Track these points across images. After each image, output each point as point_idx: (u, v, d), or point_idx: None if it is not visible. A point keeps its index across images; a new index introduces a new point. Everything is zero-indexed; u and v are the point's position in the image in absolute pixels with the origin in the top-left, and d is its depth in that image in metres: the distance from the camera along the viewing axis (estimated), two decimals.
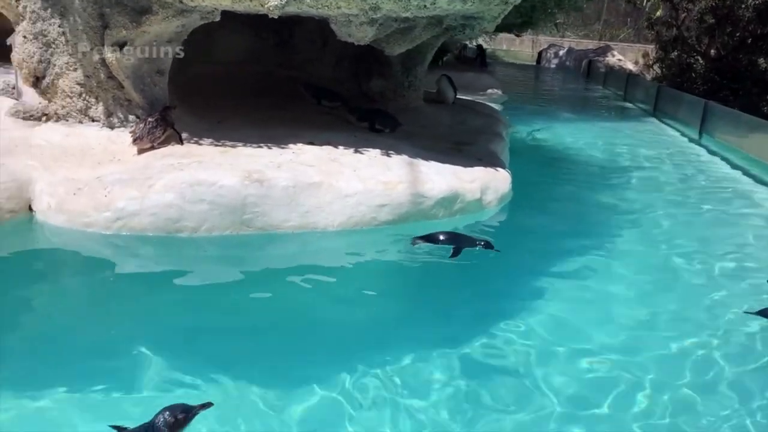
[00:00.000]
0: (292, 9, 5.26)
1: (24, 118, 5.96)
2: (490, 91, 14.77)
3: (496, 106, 12.50)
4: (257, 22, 5.57)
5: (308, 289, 4.53)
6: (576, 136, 11.53)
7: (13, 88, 6.54)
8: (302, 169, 5.29)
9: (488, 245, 5.13)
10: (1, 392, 3.16)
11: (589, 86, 21.16)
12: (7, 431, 2.96)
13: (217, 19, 5.62)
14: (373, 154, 5.87)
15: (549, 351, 3.98)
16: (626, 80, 18.20)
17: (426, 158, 6.06)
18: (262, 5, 5.15)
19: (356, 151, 5.87)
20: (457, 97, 9.98)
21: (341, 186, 5.25)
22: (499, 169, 6.55)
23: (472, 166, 6.29)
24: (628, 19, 32.44)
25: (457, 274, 4.94)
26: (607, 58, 23.00)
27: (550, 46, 27.70)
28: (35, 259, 4.54)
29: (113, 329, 3.82)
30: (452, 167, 6.05)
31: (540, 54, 27.63)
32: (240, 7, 5.27)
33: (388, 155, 5.90)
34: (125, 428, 2.92)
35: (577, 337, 4.17)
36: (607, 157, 10.09)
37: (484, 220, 6.04)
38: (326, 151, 5.79)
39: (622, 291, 4.95)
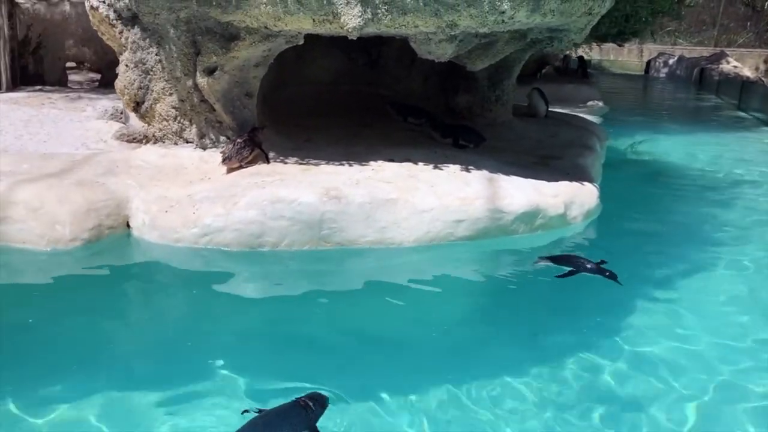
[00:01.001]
0: (371, 30, 5.38)
1: (128, 141, 6.44)
2: (591, 102, 14.38)
3: (596, 119, 12.15)
4: (347, 43, 5.75)
5: (385, 305, 4.55)
6: (681, 149, 10.95)
7: (122, 113, 7.09)
8: (379, 186, 5.37)
9: (612, 276, 4.79)
10: (96, 397, 3.36)
11: (701, 95, 20.03)
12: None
13: (301, 42, 5.83)
14: (452, 170, 5.87)
15: (646, 382, 3.73)
16: (741, 88, 17.09)
17: (507, 173, 5.99)
18: (341, 27, 5.29)
19: (435, 167, 5.89)
20: (550, 109, 9.78)
21: (417, 202, 5.28)
22: (585, 183, 6.34)
23: (556, 180, 6.14)
24: (748, 23, 30.53)
25: (540, 292, 4.80)
26: (721, 65, 21.69)
27: (660, 54, 26.49)
28: (129, 273, 4.85)
29: (200, 340, 3.99)
30: (535, 182, 5.94)
31: (648, 63, 26.50)
32: (321, 30, 5.44)
33: (467, 171, 5.88)
34: (260, 410, 3.06)
35: (670, 368, 3.89)
36: (713, 171, 9.47)
37: (567, 236, 5.87)
38: (405, 167, 5.85)
39: (723, 319, 4.58)
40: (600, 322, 4.44)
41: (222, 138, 6.12)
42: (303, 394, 3.12)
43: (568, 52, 16.86)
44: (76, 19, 10.15)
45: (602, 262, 4.92)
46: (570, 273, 4.83)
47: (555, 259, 5.05)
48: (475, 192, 5.49)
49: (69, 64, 10.91)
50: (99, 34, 6.24)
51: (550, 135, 8.30)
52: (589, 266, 4.88)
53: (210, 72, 5.79)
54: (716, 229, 6.65)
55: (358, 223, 5.18)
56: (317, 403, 3.07)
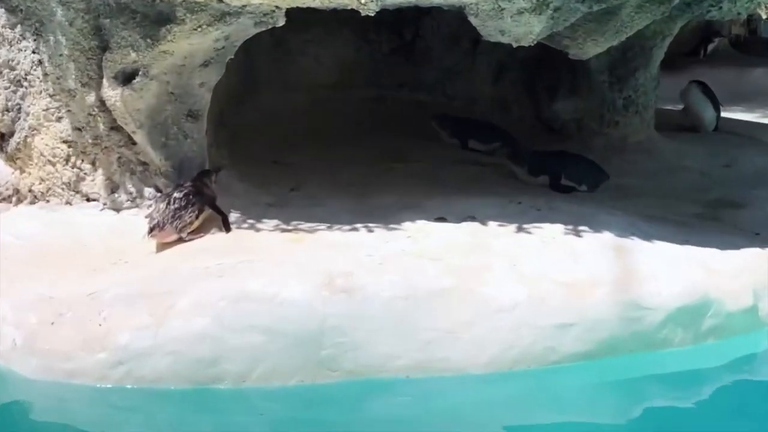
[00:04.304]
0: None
1: None
2: None
3: None
4: (360, 19, 5.80)
5: None
6: None
7: None
8: (421, 266, 5.43)
9: None
10: None
11: None
12: None
13: (280, 24, 5.96)
14: (549, 234, 5.95)
15: None
16: None
17: (648, 237, 6.06)
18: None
19: (519, 230, 5.97)
20: (723, 116, 9.87)
21: (488, 293, 5.32)
22: None
23: (737, 247, 6.20)
24: None
25: None
26: None
27: None
28: None
29: None
30: (698, 250, 6.01)
31: None
32: (314, 4, 5.58)
33: (576, 234, 5.95)
34: None
35: None
36: None
37: (764, 350, 5.83)
38: (466, 231, 5.95)
39: None
40: None
41: (147, 191, 6.26)
42: None
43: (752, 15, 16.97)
44: None
45: None
46: None
47: None
48: (591, 274, 5.52)
49: None
50: None
51: (724, 164, 8.43)
52: None
53: (127, 79, 5.96)
54: None
55: (386, 335, 5.20)
56: None
